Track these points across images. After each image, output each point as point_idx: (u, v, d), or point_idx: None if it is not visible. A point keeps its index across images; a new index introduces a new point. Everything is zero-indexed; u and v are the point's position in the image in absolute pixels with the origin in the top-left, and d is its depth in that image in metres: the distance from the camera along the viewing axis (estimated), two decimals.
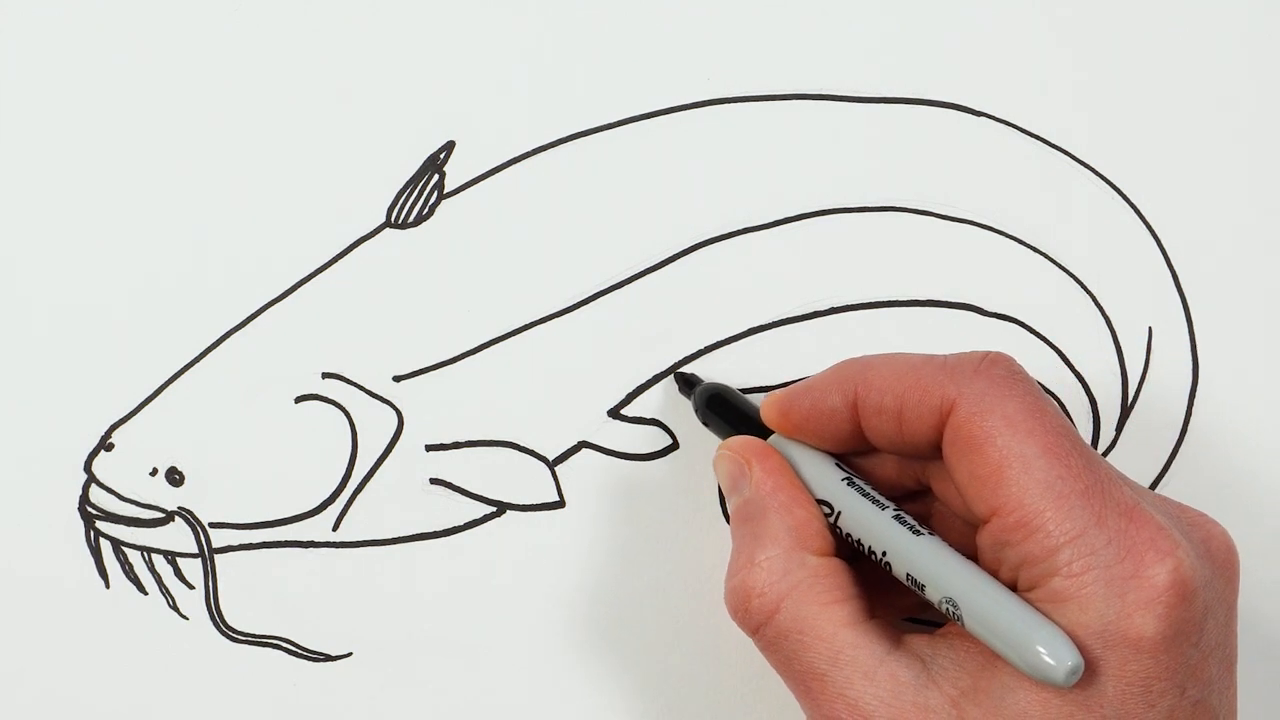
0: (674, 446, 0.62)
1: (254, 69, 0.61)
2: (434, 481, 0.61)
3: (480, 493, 0.61)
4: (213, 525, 0.61)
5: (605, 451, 0.62)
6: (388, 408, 0.61)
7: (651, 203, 0.62)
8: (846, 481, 0.55)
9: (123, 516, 0.61)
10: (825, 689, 0.52)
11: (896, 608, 0.57)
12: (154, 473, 0.61)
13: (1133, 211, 0.63)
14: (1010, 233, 0.63)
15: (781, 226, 0.62)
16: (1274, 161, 0.64)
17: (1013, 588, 0.52)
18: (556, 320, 0.62)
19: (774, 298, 0.62)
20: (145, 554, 0.61)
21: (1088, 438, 0.63)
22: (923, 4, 0.63)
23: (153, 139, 0.61)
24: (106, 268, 0.61)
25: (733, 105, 0.62)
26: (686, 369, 0.61)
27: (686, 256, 0.62)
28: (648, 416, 0.62)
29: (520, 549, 0.61)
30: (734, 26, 0.62)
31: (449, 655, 0.61)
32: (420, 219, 0.62)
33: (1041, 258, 0.63)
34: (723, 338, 0.62)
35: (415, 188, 0.62)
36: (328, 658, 0.61)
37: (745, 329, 0.62)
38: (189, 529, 0.61)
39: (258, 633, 0.61)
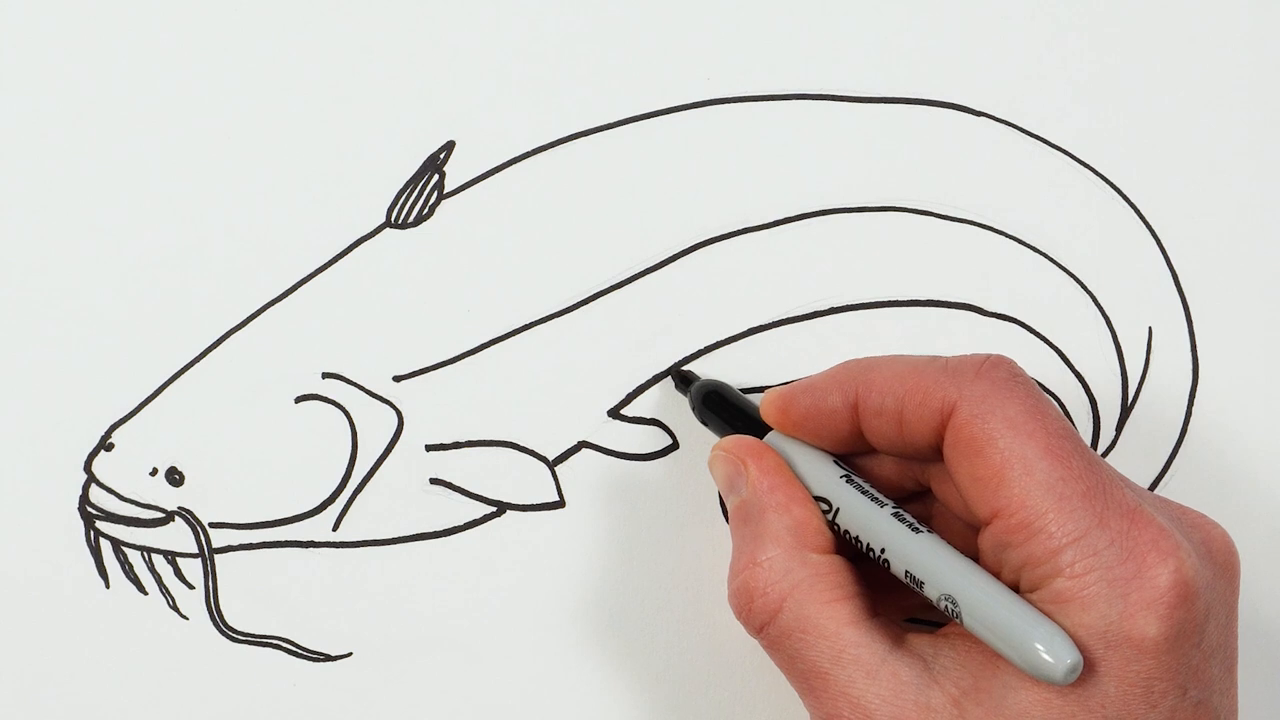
0: (674, 446, 0.62)
1: (254, 69, 0.61)
2: (434, 481, 0.61)
3: (480, 493, 0.61)
4: (213, 525, 0.61)
5: (605, 451, 0.62)
6: (388, 408, 0.61)
7: (651, 203, 0.62)
8: (845, 478, 0.55)
9: (123, 516, 0.61)
10: (828, 687, 0.52)
11: (897, 608, 0.57)
12: (154, 473, 0.61)
13: (1133, 211, 0.63)
14: (1010, 233, 0.63)
15: (781, 226, 0.62)
16: (1274, 161, 0.64)
17: (1015, 589, 0.52)
18: (556, 320, 0.62)
19: (774, 298, 0.62)
20: (145, 554, 0.61)
21: (1088, 438, 0.63)
22: (923, 4, 0.63)
23: (153, 139, 0.61)
24: (107, 268, 0.61)
25: (733, 105, 0.62)
26: (685, 367, 0.61)
27: (686, 256, 0.62)
28: (648, 416, 0.62)
29: (520, 549, 0.61)
30: (734, 26, 0.62)
31: (449, 655, 0.61)
32: (420, 219, 0.62)
33: (1041, 258, 0.63)
34: (723, 338, 0.62)
35: (415, 188, 0.62)
36: (328, 658, 0.61)
37: (745, 329, 0.62)
38: (189, 529, 0.61)
39: (258, 633, 0.61)
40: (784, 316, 0.62)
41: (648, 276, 0.62)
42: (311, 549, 0.61)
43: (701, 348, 0.62)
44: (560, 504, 0.62)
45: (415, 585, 0.61)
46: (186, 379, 0.61)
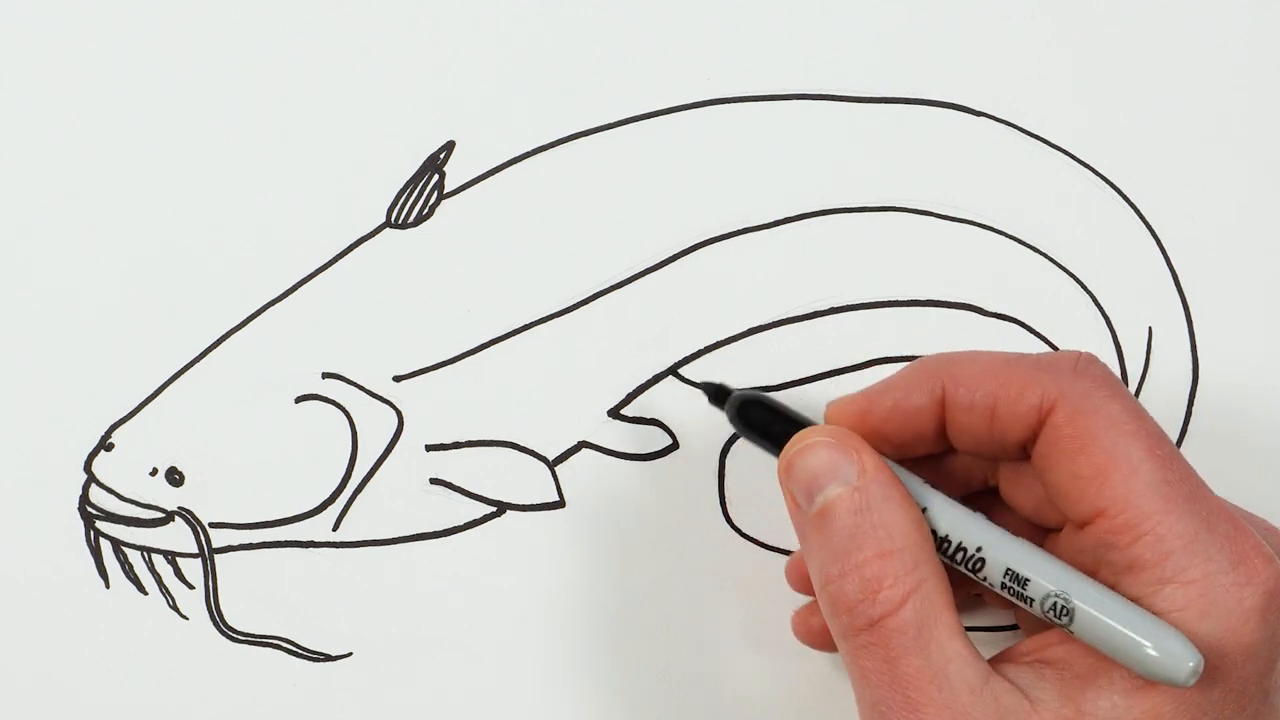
0: (674, 446, 0.62)
1: (254, 69, 0.61)
2: (434, 481, 0.61)
3: (480, 493, 0.61)
4: (213, 525, 0.61)
5: (605, 451, 0.62)
6: (388, 408, 0.61)
7: (651, 203, 0.62)
8: (925, 483, 0.54)
9: (123, 516, 0.61)
10: (931, 699, 0.50)
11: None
12: (154, 473, 0.61)
13: (1133, 211, 0.63)
14: (1010, 233, 0.63)
15: (781, 226, 0.62)
16: (1274, 161, 0.64)
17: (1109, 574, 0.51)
18: (556, 320, 0.62)
19: (774, 298, 0.62)
20: (145, 554, 0.61)
21: None
22: (923, 4, 0.63)
23: (153, 139, 0.61)
24: (106, 268, 0.61)
25: (733, 105, 0.62)
26: (715, 381, 0.58)
27: (686, 256, 0.62)
28: (648, 416, 0.62)
29: (520, 549, 0.61)
30: (734, 26, 0.62)
31: (449, 655, 0.61)
32: (420, 219, 0.62)
33: (1041, 258, 0.63)
34: (723, 338, 0.62)
35: (415, 188, 0.62)
36: (328, 658, 0.61)
37: (745, 329, 0.62)
38: (189, 529, 0.61)
39: (258, 633, 0.61)
40: (784, 316, 0.62)
41: (648, 276, 0.62)
42: (311, 549, 0.61)
43: (701, 348, 0.62)
44: (560, 504, 0.62)
45: (415, 585, 0.61)
46: (186, 379, 0.61)
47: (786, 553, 0.61)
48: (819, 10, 0.63)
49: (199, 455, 0.61)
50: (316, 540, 0.61)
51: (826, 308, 0.62)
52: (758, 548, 0.61)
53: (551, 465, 0.62)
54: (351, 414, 0.61)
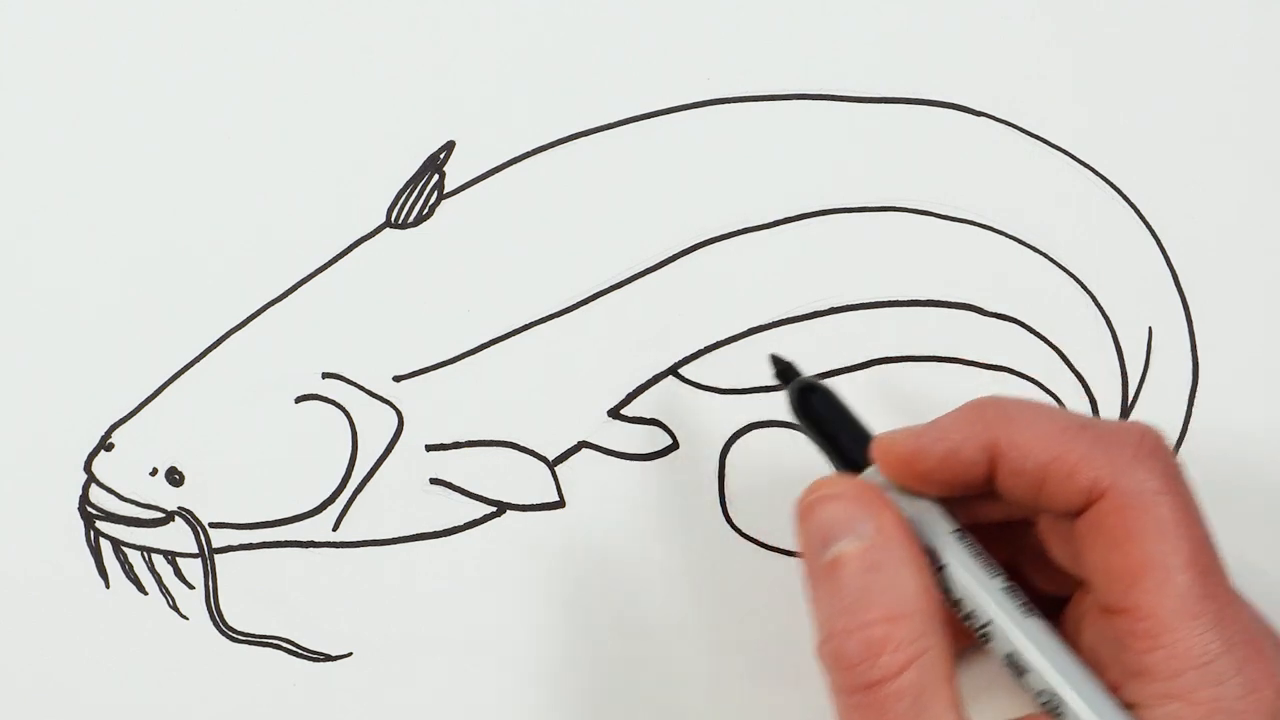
0: (674, 446, 0.62)
1: (254, 69, 0.61)
2: (434, 481, 0.61)
3: (480, 493, 0.61)
4: (213, 525, 0.61)
5: (605, 451, 0.62)
6: (388, 408, 0.61)
7: (651, 203, 0.62)
8: (958, 534, 0.52)
9: (123, 516, 0.61)
10: None
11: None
12: (154, 473, 0.61)
13: (1133, 211, 0.63)
14: (1010, 233, 0.63)
15: (781, 226, 0.62)
16: (1274, 161, 0.64)
17: (1112, 685, 0.50)
18: (556, 320, 0.62)
19: (774, 298, 0.62)
20: (145, 554, 0.61)
21: None
22: (923, 4, 0.63)
23: (153, 139, 0.61)
24: (106, 268, 0.61)
25: (733, 105, 0.62)
26: (777, 354, 0.57)
27: (686, 256, 0.62)
28: (648, 416, 0.62)
29: (520, 549, 0.61)
30: (734, 26, 0.62)
31: (449, 655, 0.61)
32: (420, 219, 0.62)
33: (1041, 258, 0.63)
34: (723, 338, 0.62)
35: (415, 188, 0.62)
36: (328, 658, 0.61)
37: (745, 329, 0.62)
38: (189, 529, 0.61)
39: (258, 633, 0.61)
40: (784, 316, 0.62)
41: (648, 276, 0.62)
42: (311, 549, 0.61)
43: (701, 348, 0.62)
44: (560, 504, 0.62)
45: (415, 585, 0.61)
46: (186, 379, 0.61)
47: (787, 553, 0.61)
48: (819, 10, 0.63)
49: (199, 455, 0.61)
50: (316, 540, 0.61)
51: (826, 308, 0.62)
52: (758, 548, 0.61)
53: (551, 465, 0.62)
54: (351, 414, 0.61)
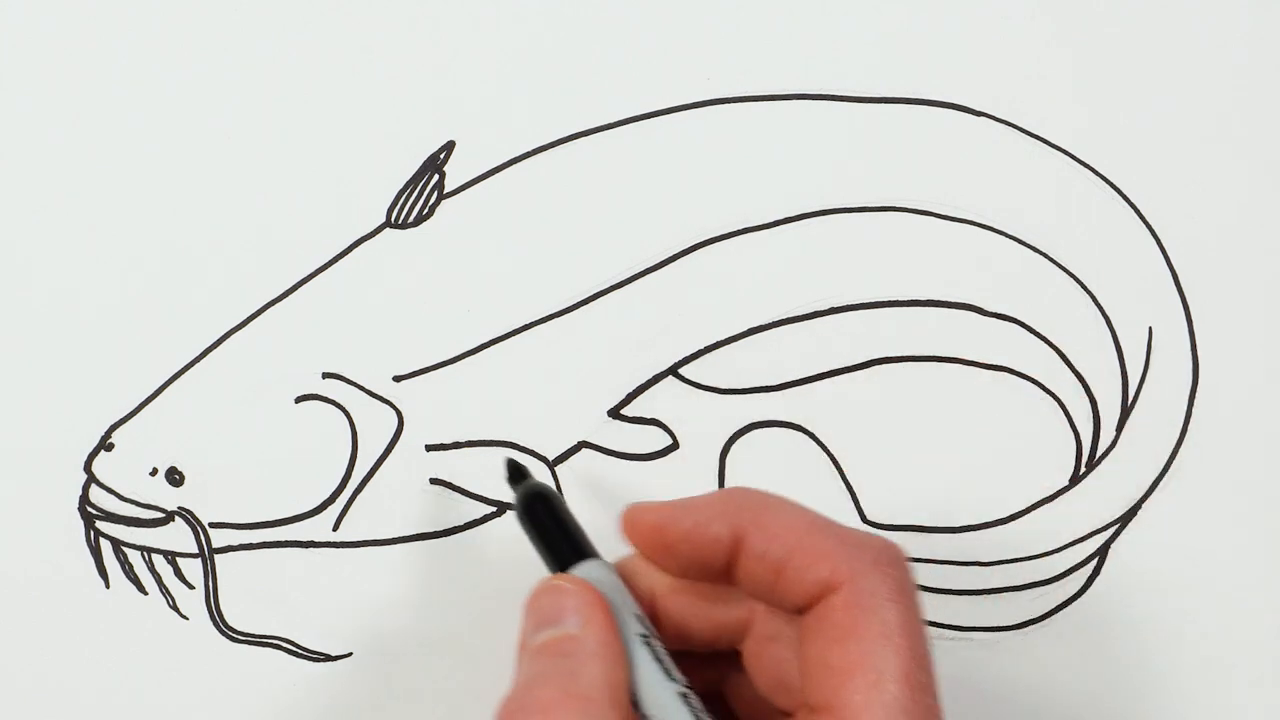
0: (674, 446, 0.62)
1: (254, 69, 0.61)
2: (434, 481, 0.61)
3: (480, 493, 0.61)
4: (213, 525, 0.61)
5: (605, 451, 0.62)
6: (388, 408, 0.61)
7: (651, 203, 0.62)
8: (643, 639, 0.52)
9: (123, 516, 0.61)
10: None
11: None
12: (154, 473, 0.61)
13: (1133, 211, 0.63)
14: (1010, 233, 0.63)
15: (781, 226, 0.62)
16: (1274, 161, 0.64)
17: None
18: (556, 320, 0.62)
19: (774, 298, 0.62)
20: (145, 554, 0.61)
21: (1087, 438, 0.63)
22: (923, 4, 0.63)
23: (153, 139, 0.61)
24: (107, 268, 0.61)
25: (733, 105, 0.62)
26: (518, 458, 0.60)
27: (686, 256, 0.62)
28: (648, 416, 0.62)
29: (520, 549, 0.61)
30: (734, 26, 0.62)
31: (449, 655, 0.61)
32: (420, 219, 0.62)
33: (1041, 258, 0.63)
34: (723, 338, 0.62)
35: (415, 188, 0.62)
36: (328, 658, 0.61)
37: (745, 329, 0.62)
38: (189, 529, 0.61)
39: (258, 633, 0.61)
40: (784, 316, 0.62)
41: (648, 276, 0.62)
42: (311, 549, 0.61)
43: (701, 348, 0.62)
44: None
45: (415, 585, 0.61)
46: (186, 379, 0.61)
47: None
48: (819, 10, 0.63)
49: (199, 455, 0.61)
50: (316, 540, 0.61)
51: (826, 308, 0.63)
52: None
53: (551, 465, 0.62)
54: (351, 414, 0.61)
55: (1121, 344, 0.63)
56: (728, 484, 0.62)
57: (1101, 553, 0.63)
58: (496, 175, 0.62)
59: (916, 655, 0.50)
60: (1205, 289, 0.63)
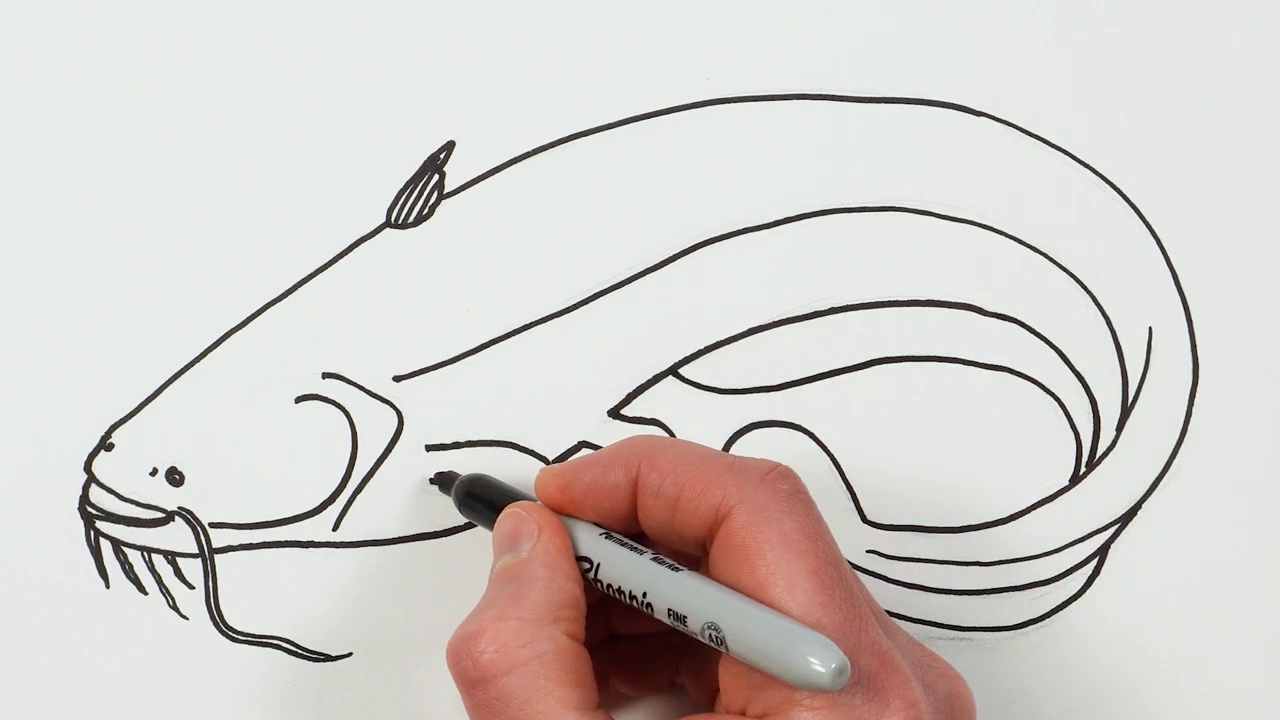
0: None
1: (254, 69, 0.61)
2: (434, 481, 0.61)
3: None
4: (213, 525, 0.61)
5: None
6: (388, 408, 0.61)
7: (651, 203, 0.62)
8: (604, 535, 0.55)
9: (123, 516, 0.61)
10: None
11: (652, 685, 0.59)
12: (154, 473, 0.61)
13: (1133, 211, 0.63)
14: (1010, 233, 0.63)
15: (781, 226, 0.62)
16: (1274, 161, 0.64)
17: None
18: (556, 320, 0.62)
19: (774, 298, 0.62)
20: (145, 554, 0.61)
21: (1087, 438, 0.63)
22: (923, 4, 0.63)
23: (153, 139, 0.61)
24: (107, 268, 0.61)
25: (733, 105, 0.62)
26: (445, 470, 0.61)
27: (686, 256, 0.62)
28: (648, 416, 0.62)
29: None
30: (734, 26, 0.62)
31: None
32: (420, 219, 0.62)
33: (1041, 258, 0.63)
34: (723, 338, 0.62)
35: (415, 188, 0.62)
36: (328, 658, 0.61)
37: (745, 329, 0.62)
38: (189, 529, 0.61)
39: (258, 633, 0.61)
40: (784, 316, 0.62)
41: (648, 276, 0.62)
42: (311, 549, 0.61)
43: (701, 348, 0.62)
44: None
45: (415, 585, 0.61)
46: (186, 379, 0.61)
47: None
48: (819, 10, 0.63)
49: (199, 455, 0.61)
50: (316, 540, 0.61)
51: (826, 308, 0.62)
52: None
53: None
54: (351, 414, 0.61)
55: (1121, 344, 0.63)
56: None
57: (1101, 553, 0.63)
58: (496, 175, 0.62)
59: (821, 554, 0.52)
60: (1205, 289, 0.63)
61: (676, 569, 0.53)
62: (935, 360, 0.63)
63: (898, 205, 0.63)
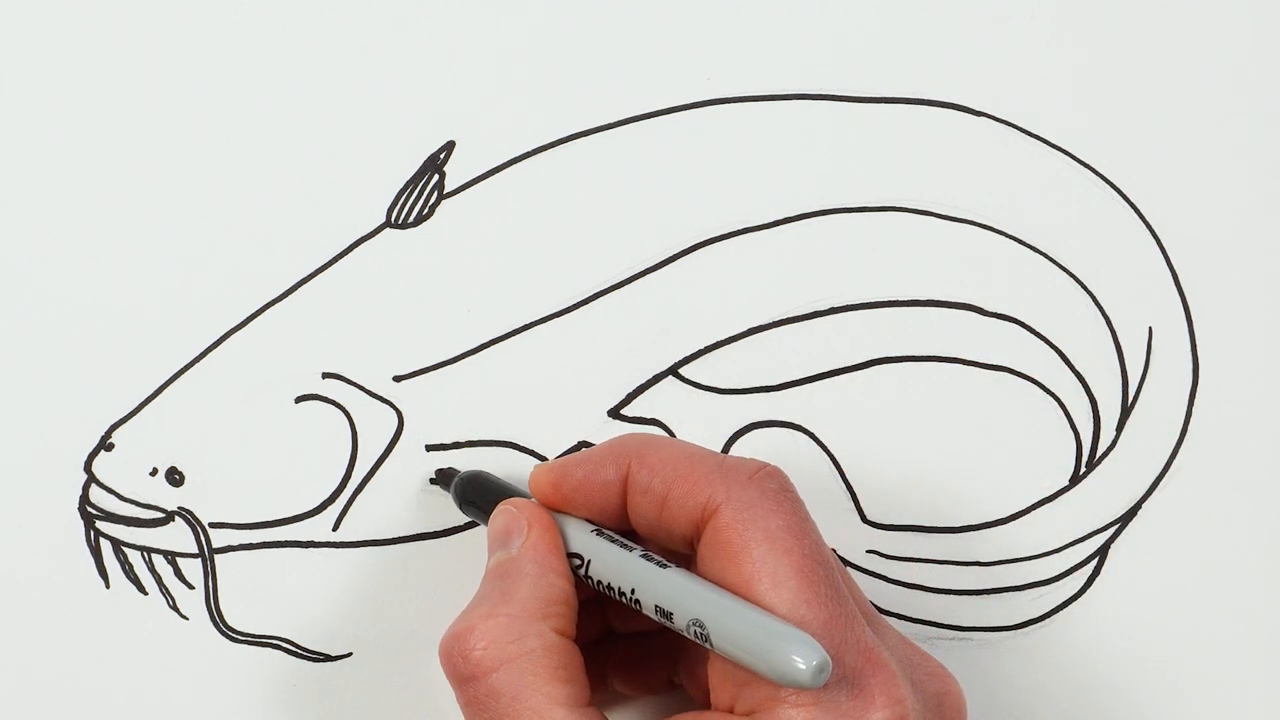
0: None
1: (254, 69, 0.61)
2: (434, 481, 0.61)
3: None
4: (213, 525, 0.61)
5: None
6: (388, 408, 0.61)
7: (651, 203, 0.62)
8: (595, 532, 0.55)
9: (123, 516, 0.61)
10: None
11: (651, 684, 0.59)
12: (154, 473, 0.61)
13: (1133, 211, 0.63)
14: (1010, 233, 0.63)
15: (781, 226, 0.62)
16: (1274, 161, 0.64)
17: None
18: (556, 320, 0.62)
19: (774, 298, 0.62)
20: (145, 554, 0.61)
21: (1087, 438, 0.63)
22: (923, 4, 0.63)
23: (153, 139, 0.61)
24: (107, 268, 0.61)
25: (733, 105, 0.62)
26: (445, 466, 0.61)
27: (686, 256, 0.62)
28: (648, 416, 0.62)
29: None
30: (734, 26, 0.62)
31: None
32: (420, 219, 0.62)
33: (1041, 258, 0.63)
34: (723, 338, 0.62)
35: (415, 188, 0.62)
36: (328, 658, 0.61)
37: (745, 329, 0.62)
38: (189, 529, 0.61)
39: (258, 633, 0.61)
40: (784, 316, 0.62)
41: (648, 276, 0.62)
42: (311, 549, 0.61)
43: (701, 348, 0.62)
44: None
45: (415, 585, 0.61)
46: (186, 379, 0.61)
47: None
48: (819, 10, 0.63)
49: (199, 455, 0.61)
50: (316, 540, 0.61)
51: (826, 308, 0.63)
52: None
53: None
54: (351, 414, 0.61)
55: (1121, 344, 0.63)
56: None
57: (1101, 553, 0.63)
58: (496, 175, 0.62)
59: (807, 552, 0.52)
60: (1205, 289, 0.63)
61: (664, 566, 0.53)
62: (935, 360, 0.63)
63: (898, 205, 0.63)
